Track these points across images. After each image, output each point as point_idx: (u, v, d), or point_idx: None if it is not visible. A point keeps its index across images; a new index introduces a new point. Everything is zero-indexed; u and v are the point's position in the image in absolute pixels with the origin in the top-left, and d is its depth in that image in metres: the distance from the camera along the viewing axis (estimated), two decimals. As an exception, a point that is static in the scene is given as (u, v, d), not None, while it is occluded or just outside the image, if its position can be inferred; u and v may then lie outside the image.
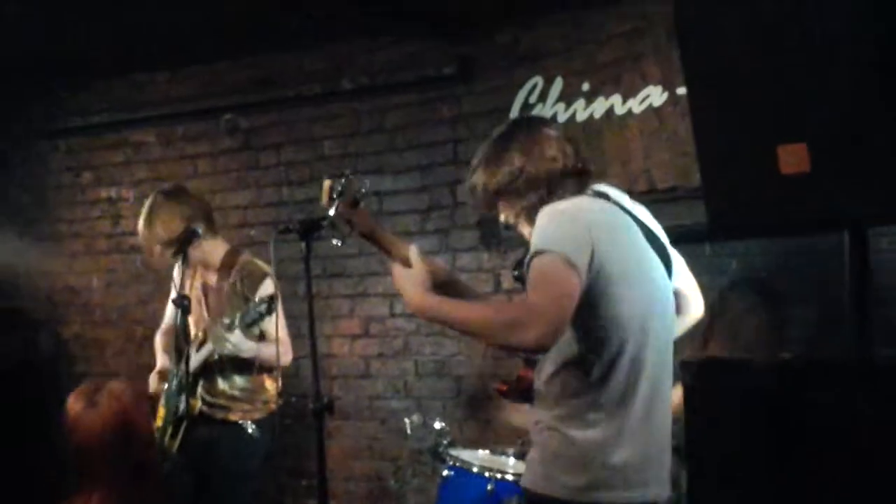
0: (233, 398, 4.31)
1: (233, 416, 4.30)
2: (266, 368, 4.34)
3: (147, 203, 4.34)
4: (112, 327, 6.72)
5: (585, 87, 5.12)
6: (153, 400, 4.40)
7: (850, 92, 1.89)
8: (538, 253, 2.47)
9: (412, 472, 5.42)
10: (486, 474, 3.87)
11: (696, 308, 2.97)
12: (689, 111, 2.22)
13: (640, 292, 2.59)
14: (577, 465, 2.58)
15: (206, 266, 4.41)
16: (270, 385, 4.39)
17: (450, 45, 5.58)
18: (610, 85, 5.07)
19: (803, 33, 1.93)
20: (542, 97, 5.26)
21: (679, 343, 2.85)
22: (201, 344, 4.26)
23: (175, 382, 4.31)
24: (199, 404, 4.24)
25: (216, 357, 4.21)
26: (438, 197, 5.65)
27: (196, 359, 4.22)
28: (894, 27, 1.85)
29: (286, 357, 4.26)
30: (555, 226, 2.53)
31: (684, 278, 2.91)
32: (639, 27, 5.01)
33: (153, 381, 4.44)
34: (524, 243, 2.71)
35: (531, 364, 2.76)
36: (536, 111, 5.24)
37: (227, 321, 4.06)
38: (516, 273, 2.82)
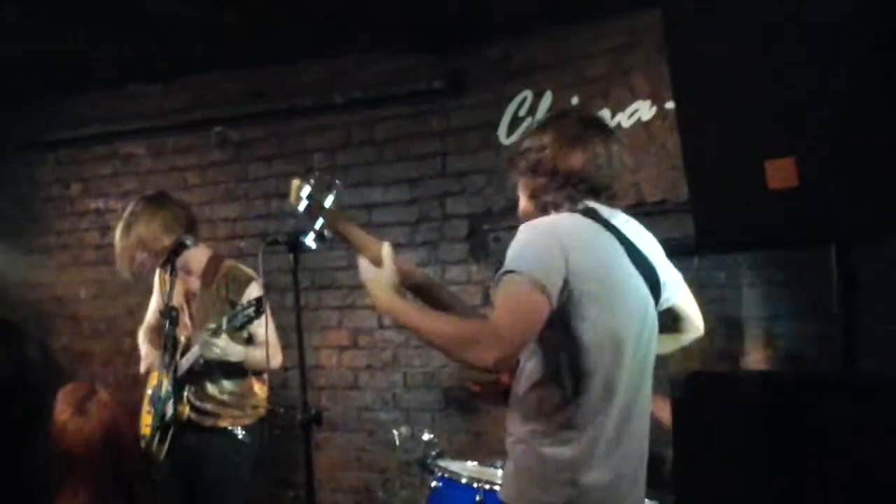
0: (222, 403, 4.29)
1: (222, 423, 4.28)
2: (255, 372, 4.33)
3: (128, 209, 4.30)
4: (100, 339, 6.71)
5: (575, 100, 5.13)
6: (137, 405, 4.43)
7: (838, 109, 1.91)
8: (508, 271, 2.45)
9: (400, 483, 5.42)
10: (475, 485, 3.86)
11: (694, 328, 2.92)
12: (677, 125, 2.23)
13: (615, 313, 2.56)
14: (548, 482, 2.55)
15: (189, 272, 4.37)
16: (259, 389, 4.38)
17: (440, 59, 5.59)
18: (599, 99, 5.09)
19: (793, 49, 1.95)
20: (532, 111, 5.27)
21: (672, 359, 2.85)
22: (185, 350, 4.24)
23: (162, 389, 4.28)
24: (186, 410, 4.22)
25: (202, 362, 4.17)
26: (427, 209, 5.66)
27: (182, 365, 4.20)
28: (887, 42, 1.87)
29: (276, 359, 4.25)
30: (529, 244, 2.50)
31: (683, 297, 2.87)
32: (628, 42, 5.04)
33: (143, 368, 4.46)
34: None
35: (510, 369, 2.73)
36: (526, 125, 5.26)
37: (213, 326, 4.04)
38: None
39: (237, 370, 4.26)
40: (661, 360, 2.80)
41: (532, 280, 2.41)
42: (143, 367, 4.52)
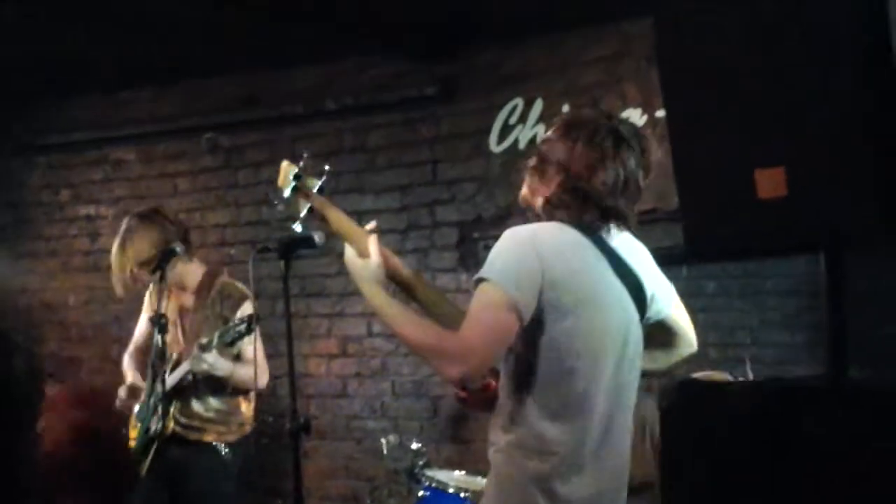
0: (208, 420, 4.26)
1: (207, 437, 4.26)
2: (241, 391, 4.31)
3: (122, 227, 4.30)
4: (88, 345, 6.68)
5: (566, 108, 5.14)
6: (122, 416, 4.39)
7: (828, 116, 1.91)
8: (483, 279, 2.44)
9: (388, 492, 5.41)
10: (462, 495, 3.87)
11: (686, 343, 2.84)
12: (667, 134, 2.23)
13: (593, 325, 2.52)
14: (524, 493, 2.52)
15: (183, 288, 4.36)
16: (246, 407, 4.36)
17: (431, 66, 5.60)
18: (590, 107, 5.10)
19: (783, 57, 1.95)
20: (523, 118, 5.29)
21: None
22: (176, 365, 4.22)
23: (148, 403, 4.26)
24: (171, 425, 4.19)
25: (190, 378, 4.16)
26: (417, 217, 5.66)
27: (170, 380, 4.18)
28: (884, 45, 1.88)
29: (263, 378, 4.24)
30: (507, 252, 2.47)
31: (676, 312, 2.81)
32: (619, 50, 5.06)
33: (122, 393, 4.40)
34: None
35: (498, 374, 2.71)
36: (516, 132, 5.27)
37: (204, 341, 4.03)
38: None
39: (224, 387, 4.23)
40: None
41: (505, 293, 2.39)
42: (122, 393, 4.42)
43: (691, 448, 2.14)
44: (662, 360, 2.85)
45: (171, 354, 4.26)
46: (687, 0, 2.15)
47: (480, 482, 4.13)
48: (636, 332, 2.65)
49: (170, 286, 4.28)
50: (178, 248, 4.17)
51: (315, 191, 2.93)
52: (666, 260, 2.83)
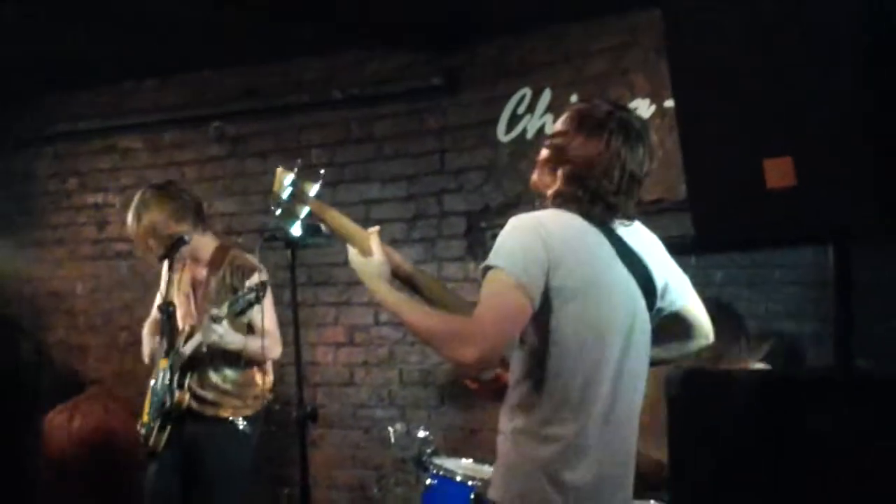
0: (224, 392, 4.29)
1: (223, 413, 4.28)
2: (255, 362, 4.33)
3: (136, 197, 4.34)
4: (96, 333, 6.70)
5: (573, 99, 5.13)
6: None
7: (837, 109, 1.90)
8: (491, 266, 2.45)
9: (395, 480, 5.42)
10: (470, 483, 3.87)
11: (703, 335, 2.81)
12: (676, 124, 2.23)
13: (599, 312, 2.53)
14: (530, 479, 2.53)
15: (196, 260, 4.42)
16: (261, 379, 4.38)
17: (438, 56, 5.60)
18: (599, 98, 5.08)
19: (792, 49, 1.95)
20: (531, 108, 5.27)
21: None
22: (189, 336, 4.24)
23: (161, 378, 4.27)
24: (186, 398, 4.21)
25: (204, 350, 4.18)
26: (425, 206, 5.66)
27: (186, 349, 4.21)
28: (886, 42, 1.87)
29: (276, 349, 4.28)
30: (512, 239, 2.48)
31: (691, 302, 2.78)
32: (627, 40, 5.04)
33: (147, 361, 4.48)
34: None
35: (508, 366, 2.71)
36: (524, 123, 5.26)
37: (215, 311, 4.05)
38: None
39: (238, 359, 4.26)
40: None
41: (514, 277, 2.40)
42: (146, 358, 4.54)
43: (698, 438, 2.14)
44: (676, 352, 2.83)
45: (185, 327, 4.31)
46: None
47: (488, 470, 4.13)
48: (643, 320, 2.65)
49: (184, 258, 4.38)
50: (188, 236, 4.22)
51: (312, 195, 2.93)
52: (674, 249, 2.82)
